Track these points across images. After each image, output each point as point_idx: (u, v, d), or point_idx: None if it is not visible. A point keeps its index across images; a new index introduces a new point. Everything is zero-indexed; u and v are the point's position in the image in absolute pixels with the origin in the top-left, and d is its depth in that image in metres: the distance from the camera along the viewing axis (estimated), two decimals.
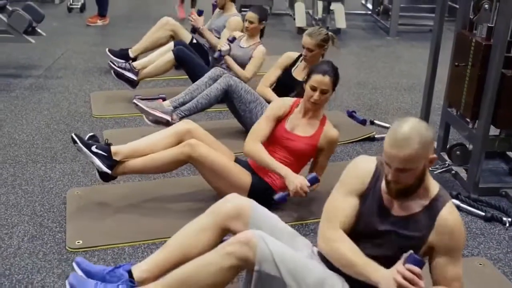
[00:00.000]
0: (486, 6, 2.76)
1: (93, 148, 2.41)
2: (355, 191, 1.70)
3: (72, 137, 2.43)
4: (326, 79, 2.43)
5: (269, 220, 1.81)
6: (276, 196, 2.42)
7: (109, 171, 2.43)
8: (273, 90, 3.38)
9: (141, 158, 2.45)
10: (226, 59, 3.72)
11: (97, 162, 2.40)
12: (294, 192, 2.37)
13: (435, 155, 1.60)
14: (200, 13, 4.26)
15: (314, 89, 2.45)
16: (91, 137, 2.52)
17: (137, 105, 3.16)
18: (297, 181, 2.36)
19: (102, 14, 6.19)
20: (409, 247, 1.57)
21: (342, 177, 1.76)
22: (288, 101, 2.60)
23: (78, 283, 1.73)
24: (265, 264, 1.58)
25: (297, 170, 2.53)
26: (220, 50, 3.73)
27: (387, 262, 1.57)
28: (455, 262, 1.65)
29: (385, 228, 1.66)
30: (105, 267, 1.84)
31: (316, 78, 2.44)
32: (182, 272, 1.66)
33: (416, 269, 1.50)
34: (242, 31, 3.99)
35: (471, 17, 2.91)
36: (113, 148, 2.44)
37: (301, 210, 2.58)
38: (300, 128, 2.52)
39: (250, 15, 3.73)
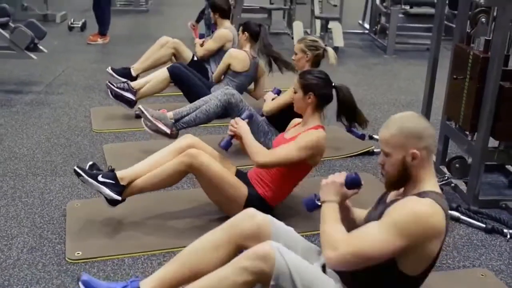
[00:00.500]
0: (483, 19, 2.81)
1: (100, 178, 2.36)
2: None
3: (75, 170, 2.37)
4: (295, 79, 2.52)
5: (285, 233, 1.80)
6: (222, 143, 2.54)
7: (119, 198, 2.38)
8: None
9: (145, 176, 2.42)
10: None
11: (107, 191, 2.35)
12: (230, 129, 2.50)
13: (416, 151, 1.55)
14: (201, 36, 4.42)
15: None
16: (91, 166, 2.46)
17: (142, 112, 3.14)
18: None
19: (102, 33, 6.25)
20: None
21: None
22: (296, 120, 2.69)
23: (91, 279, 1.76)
24: (281, 278, 1.55)
25: (293, 182, 2.56)
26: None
27: None
28: (374, 226, 1.51)
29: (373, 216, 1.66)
30: (113, 285, 1.80)
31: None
32: (195, 287, 1.63)
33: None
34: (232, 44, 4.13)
35: (468, 30, 2.95)
36: (118, 174, 2.40)
37: (304, 222, 2.57)
38: (290, 132, 2.58)
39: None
